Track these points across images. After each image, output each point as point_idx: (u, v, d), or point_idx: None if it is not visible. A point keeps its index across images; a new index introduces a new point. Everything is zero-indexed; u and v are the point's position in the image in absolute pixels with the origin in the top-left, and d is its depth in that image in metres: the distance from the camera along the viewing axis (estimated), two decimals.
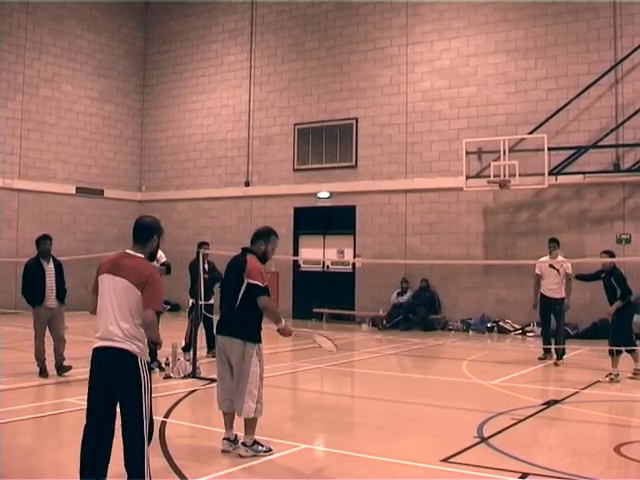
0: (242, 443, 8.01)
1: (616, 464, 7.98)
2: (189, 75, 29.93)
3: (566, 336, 20.15)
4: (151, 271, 6.20)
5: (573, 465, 7.87)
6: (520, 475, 7.38)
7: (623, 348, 13.73)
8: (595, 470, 7.67)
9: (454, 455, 8.13)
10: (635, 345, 14.02)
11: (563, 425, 10.38)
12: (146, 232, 6.40)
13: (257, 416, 7.94)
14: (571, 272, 16.11)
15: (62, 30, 28.36)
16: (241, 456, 7.92)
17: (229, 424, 8.17)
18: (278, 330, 8.05)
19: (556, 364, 15.70)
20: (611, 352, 13.65)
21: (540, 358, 16.36)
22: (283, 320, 8.13)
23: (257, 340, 7.95)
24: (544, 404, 11.19)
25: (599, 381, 13.34)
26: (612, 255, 14.38)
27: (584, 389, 12.73)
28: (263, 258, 8.23)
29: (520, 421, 9.97)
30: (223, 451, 8.10)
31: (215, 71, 29.16)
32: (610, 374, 13.55)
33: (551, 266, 16.19)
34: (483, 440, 8.87)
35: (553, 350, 16.14)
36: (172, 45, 30.49)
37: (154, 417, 6.39)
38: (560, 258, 16.35)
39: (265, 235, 8.28)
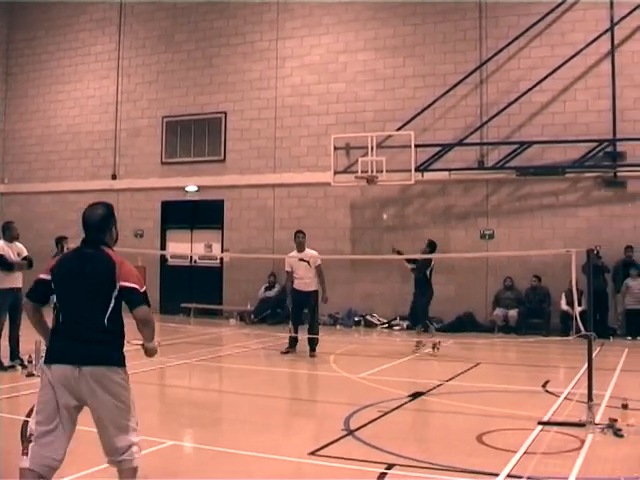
0: None
1: (478, 452, 7.98)
2: (55, 64, 28.02)
3: (426, 329, 20.46)
4: None
5: (437, 455, 7.82)
6: (386, 466, 7.25)
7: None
8: (458, 459, 7.58)
9: (321, 448, 7.96)
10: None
11: (428, 416, 10.43)
12: None
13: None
14: (321, 263, 15.89)
15: None
16: None
17: None
18: (146, 348, 5.78)
19: (312, 355, 15.52)
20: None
21: (283, 352, 15.93)
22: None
23: (125, 364, 5.63)
24: (409, 396, 11.02)
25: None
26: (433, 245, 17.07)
27: (448, 381, 12.61)
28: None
29: (386, 413, 9.83)
30: None
31: (82, 61, 27.38)
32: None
33: (301, 259, 15.77)
34: (350, 433, 8.72)
35: (307, 343, 15.86)
36: (37, 33, 28.42)
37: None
38: (309, 251, 15.95)
39: (112, 215, 5.86)
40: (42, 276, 5.65)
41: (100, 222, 5.73)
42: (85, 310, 5.48)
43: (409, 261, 17.26)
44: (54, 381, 5.40)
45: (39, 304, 5.71)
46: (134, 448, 5.48)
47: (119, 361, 5.53)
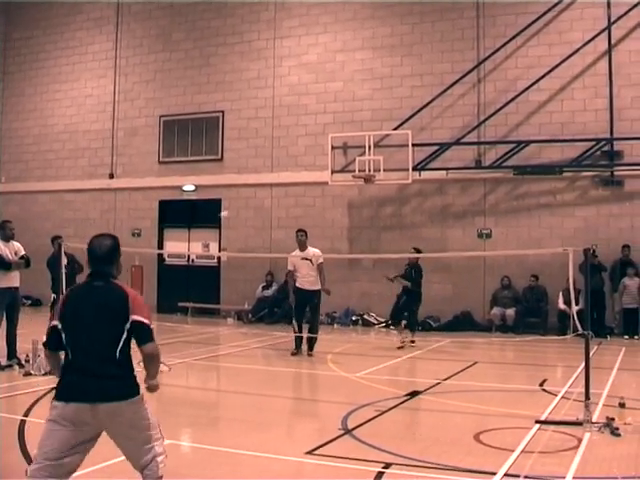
0: None
1: (476, 451, 7.96)
2: (52, 63, 27.94)
3: (429, 328, 20.50)
4: None
5: (435, 454, 7.79)
6: (383, 465, 7.23)
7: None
8: (456, 458, 7.58)
9: (319, 447, 7.94)
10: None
11: (425, 415, 10.40)
12: None
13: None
14: (323, 262, 15.70)
15: None
16: None
17: None
18: (149, 385, 5.58)
19: (310, 355, 15.42)
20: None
21: (293, 353, 15.62)
22: None
23: (139, 390, 5.47)
24: (407, 395, 11.02)
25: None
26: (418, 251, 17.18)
27: (445, 380, 12.58)
28: None
29: (383, 412, 9.81)
30: None
31: (79, 60, 27.30)
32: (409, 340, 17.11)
33: (304, 258, 15.60)
34: (347, 432, 8.69)
35: (305, 342, 15.73)
36: (34, 32, 28.33)
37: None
38: (311, 249, 15.82)
39: (119, 247, 5.68)
40: (54, 323, 5.42)
41: (108, 254, 5.54)
42: (96, 344, 5.28)
43: (402, 277, 17.44)
44: (66, 419, 5.21)
45: (57, 351, 5.52)
46: (159, 458, 5.44)
47: (134, 391, 5.36)
